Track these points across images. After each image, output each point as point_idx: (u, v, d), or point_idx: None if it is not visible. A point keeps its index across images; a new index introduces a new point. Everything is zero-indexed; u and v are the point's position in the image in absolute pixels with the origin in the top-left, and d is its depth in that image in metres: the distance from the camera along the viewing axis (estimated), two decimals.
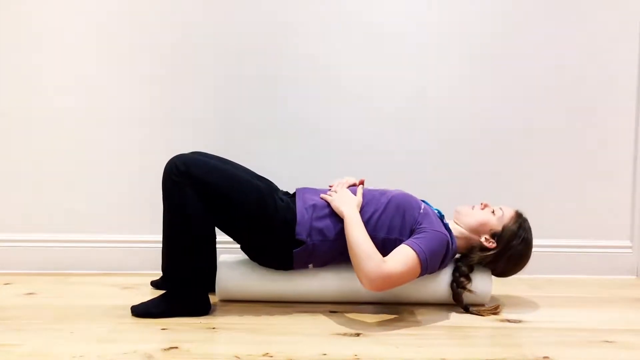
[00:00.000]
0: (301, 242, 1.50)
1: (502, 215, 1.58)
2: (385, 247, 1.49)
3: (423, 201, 1.61)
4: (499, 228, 1.56)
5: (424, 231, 1.47)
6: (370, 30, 1.98)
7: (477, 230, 1.58)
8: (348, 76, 1.99)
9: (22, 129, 1.98)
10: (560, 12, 1.99)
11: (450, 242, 1.51)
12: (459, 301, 1.55)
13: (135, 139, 1.99)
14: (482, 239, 1.57)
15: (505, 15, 1.99)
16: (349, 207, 1.50)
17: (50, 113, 1.97)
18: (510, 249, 1.55)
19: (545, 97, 2.01)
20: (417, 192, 1.83)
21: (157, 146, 1.96)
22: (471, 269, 1.56)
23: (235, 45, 1.97)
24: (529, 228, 1.59)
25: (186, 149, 1.78)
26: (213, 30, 1.97)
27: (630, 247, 2.05)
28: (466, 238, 1.60)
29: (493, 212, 1.59)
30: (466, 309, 1.54)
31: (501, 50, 2.00)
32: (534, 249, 1.91)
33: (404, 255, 1.41)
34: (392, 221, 1.51)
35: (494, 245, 1.56)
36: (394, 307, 1.57)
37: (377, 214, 1.52)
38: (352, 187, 1.64)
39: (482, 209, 1.61)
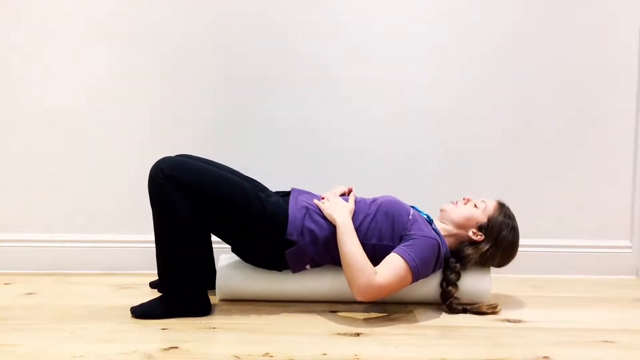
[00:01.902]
0: (292, 243, 1.50)
1: (486, 207, 1.60)
2: (375, 253, 1.50)
3: (412, 207, 1.62)
4: (484, 220, 1.59)
5: (413, 238, 1.47)
6: (371, 31, 1.98)
7: (463, 226, 1.60)
8: (348, 77, 1.99)
9: (22, 129, 1.98)
10: (561, 12, 1.99)
11: (440, 245, 1.51)
12: (453, 310, 1.54)
13: (135, 139, 1.99)
14: (470, 233, 1.59)
15: (505, 16, 1.99)
16: (341, 214, 1.51)
17: (51, 113, 1.97)
18: (502, 240, 1.57)
19: (545, 97, 2.01)
20: (417, 193, 1.84)
21: (157, 146, 1.96)
22: (458, 276, 1.56)
23: (236, 46, 1.97)
24: (513, 215, 1.61)
25: (186, 149, 1.79)
26: (213, 30, 1.97)
27: (630, 247, 2.05)
28: (454, 235, 1.61)
29: (475, 205, 1.61)
30: (464, 310, 1.54)
31: (501, 51, 2.00)
32: (533, 249, 1.91)
33: (394, 265, 1.42)
34: (382, 228, 1.52)
35: (482, 237, 1.58)
36: (394, 307, 1.57)
37: (367, 221, 1.53)
38: (343, 196, 1.64)
39: (465, 203, 1.63)
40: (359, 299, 1.42)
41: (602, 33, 2.00)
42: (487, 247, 1.57)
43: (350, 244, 1.45)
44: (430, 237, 1.48)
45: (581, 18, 1.99)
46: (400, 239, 1.50)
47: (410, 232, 1.49)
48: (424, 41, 1.99)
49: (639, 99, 2.02)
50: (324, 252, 1.53)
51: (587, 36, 2.00)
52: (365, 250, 1.49)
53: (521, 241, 1.60)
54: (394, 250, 1.46)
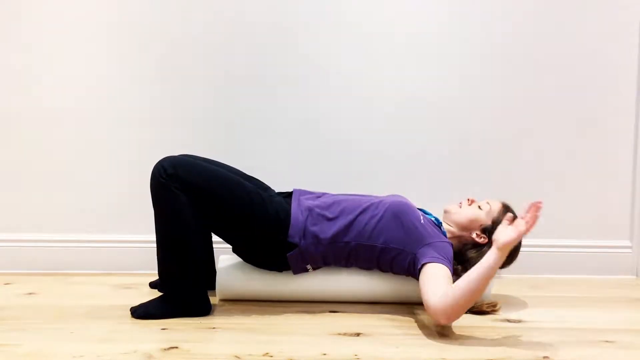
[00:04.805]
0: (294, 245, 1.49)
1: (490, 209, 1.59)
2: (382, 254, 1.50)
3: (420, 209, 1.60)
4: (488, 222, 1.58)
5: (433, 243, 1.46)
6: (371, 31, 1.98)
7: (467, 227, 1.59)
8: (348, 77, 1.99)
9: (22, 129, 1.97)
10: (560, 12, 1.99)
11: (451, 246, 1.51)
12: None
13: (135, 139, 1.99)
14: (473, 235, 1.58)
15: (505, 16, 1.99)
16: (505, 250, 1.32)
17: (50, 113, 1.97)
18: None
19: (545, 97, 2.01)
20: (419, 192, 1.84)
21: (157, 146, 1.95)
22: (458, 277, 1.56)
23: (236, 45, 1.97)
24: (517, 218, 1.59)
25: (186, 149, 1.79)
26: (213, 30, 1.97)
27: (630, 247, 2.05)
28: (457, 237, 1.60)
29: (480, 207, 1.60)
30: None
31: (501, 50, 2.00)
32: (534, 249, 1.91)
33: (434, 277, 1.37)
34: (389, 230, 1.50)
35: (486, 240, 1.57)
36: (394, 307, 1.57)
37: (373, 222, 1.51)
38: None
39: (470, 204, 1.62)
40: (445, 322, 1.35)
41: (602, 33, 1.99)
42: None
43: (484, 285, 1.31)
44: (443, 241, 1.49)
45: (581, 18, 1.99)
46: (411, 242, 1.47)
47: (424, 239, 1.47)
48: (425, 41, 1.99)
49: (639, 100, 2.02)
50: (325, 255, 1.53)
51: (587, 36, 2.00)
52: (372, 252, 1.50)
53: (522, 241, 1.60)
54: (428, 262, 1.41)
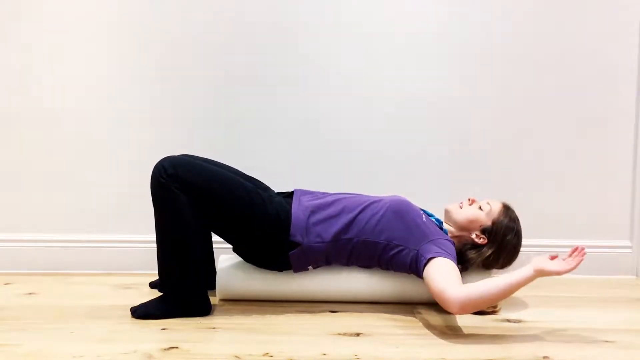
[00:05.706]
0: (296, 244, 1.50)
1: (490, 209, 1.59)
2: (384, 252, 1.51)
3: (422, 210, 1.61)
4: (488, 223, 1.58)
5: (434, 242, 1.47)
6: (371, 31, 1.98)
7: (467, 228, 1.60)
8: (348, 77, 1.99)
9: (22, 129, 1.97)
10: (560, 12, 1.99)
11: (453, 245, 1.52)
12: None
13: (135, 139, 1.99)
14: (473, 236, 1.59)
15: (505, 16, 1.99)
16: (537, 276, 1.35)
17: (50, 113, 1.97)
18: (507, 244, 1.57)
19: (545, 97, 2.01)
20: (419, 192, 1.84)
21: (158, 146, 1.96)
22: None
23: (236, 45, 1.97)
24: (518, 218, 1.61)
25: (186, 149, 1.79)
26: (213, 30, 1.97)
27: (630, 247, 2.05)
28: (457, 237, 1.61)
29: (480, 207, 1.61)
30: None
31: (501, 50, 2.00)
32: (534, 249, 1.91)
33: (444, 269, 1.39)
34: (391, 227, 1.51)
35: (485, 241, 1.58)
36: (394, 307, 1.57)
37: (375, 219, 1.52)
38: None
39: (470, 204, 1.62)
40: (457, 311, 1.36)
41: (602, 33, 1.99)
42: (490, 251, 1.56)
43: (506, 294, 1.34)
44: (446, 239, 1.50)
45: (581, 18, 1.99)
46: (414, 241, 1.48)
47: (429, 236, 1.48)
48: (425, 41, 1.99)
49: (639, 99, 2.02)
50: (328, 253, 1.53)
51: (587, 36, 1.99)
52: (374, 250, 1.51)
53: (522, 241, 1.60)
54: (435, 256, 1.42)
